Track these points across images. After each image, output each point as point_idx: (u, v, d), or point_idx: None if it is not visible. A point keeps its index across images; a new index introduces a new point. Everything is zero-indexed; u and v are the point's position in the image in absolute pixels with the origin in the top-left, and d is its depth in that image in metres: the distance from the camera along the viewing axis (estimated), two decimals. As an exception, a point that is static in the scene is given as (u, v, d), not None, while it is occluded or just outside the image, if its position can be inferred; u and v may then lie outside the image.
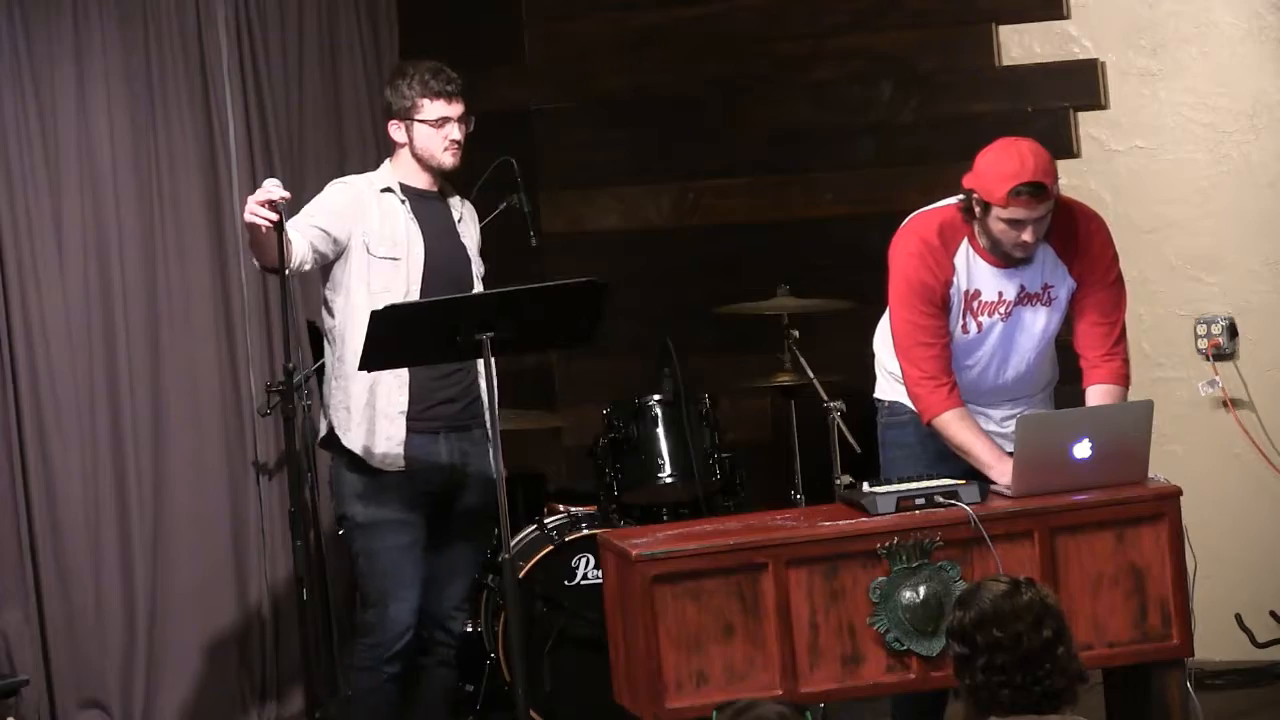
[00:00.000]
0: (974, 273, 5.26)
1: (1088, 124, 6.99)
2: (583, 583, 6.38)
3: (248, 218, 5.22)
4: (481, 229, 5.85)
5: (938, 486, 5.04)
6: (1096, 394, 5.31)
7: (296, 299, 6.19)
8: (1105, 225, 5.40)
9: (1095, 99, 6.96)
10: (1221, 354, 6.82)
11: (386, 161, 5.65)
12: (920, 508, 4.99)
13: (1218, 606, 6.42)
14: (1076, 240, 5.29)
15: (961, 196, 5.20)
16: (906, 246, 5.28)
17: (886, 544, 4.91)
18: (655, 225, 7.69)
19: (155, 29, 6.60)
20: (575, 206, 7.77)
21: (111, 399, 6.45)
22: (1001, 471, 5.15)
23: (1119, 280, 5.36)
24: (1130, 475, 5.09)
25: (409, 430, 5.52)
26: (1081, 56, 6.98)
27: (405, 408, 5.53)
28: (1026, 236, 5.14)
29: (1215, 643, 6.37)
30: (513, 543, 6.04)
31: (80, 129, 6.41)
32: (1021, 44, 7.07)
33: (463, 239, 5.68)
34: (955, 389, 5.24)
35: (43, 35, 6.33)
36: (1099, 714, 5.25)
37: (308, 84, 7.06)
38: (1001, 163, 5.12)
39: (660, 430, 6.55)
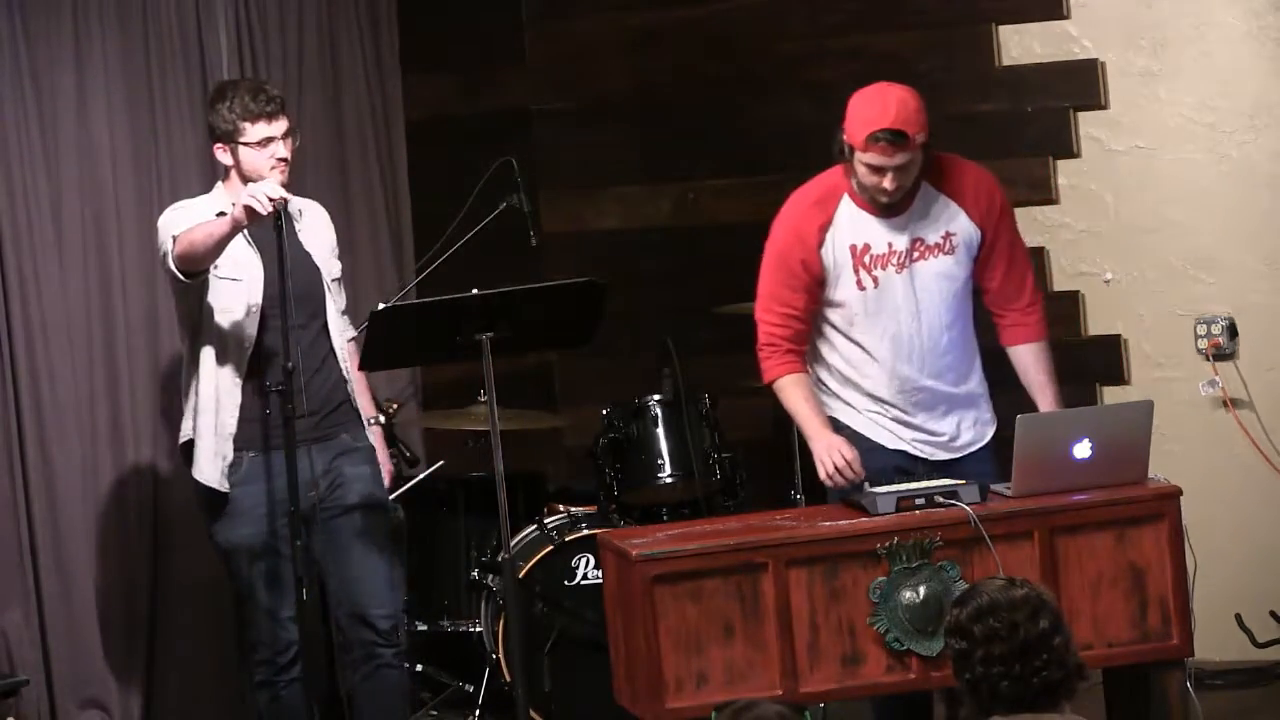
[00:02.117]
0: (859, 226, 5.29)
1: (1088, 124, 6.99)
2: (583, 583, 6.37)
3: (247, 200, 5.22)
4: (481, 229, 5.84)
5: (938, 486, 5.05)
6: (1026, 353, 5.38)
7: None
8: (996, 179, 5.46)
9: (1095, 99, 6.96)
10: (1221, 354, 6.82)
11: (219, 184, 5.64)
12: (920, 508, 4.99)
13: (1218, 606, 6.42)
14: (965, 185, 5.33)
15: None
16: (782, 215, 5.37)
17: (886, 544, 4.91)
18: (655, 225, 7.69)
19: (155, 29, 6.59)
20: (575, 206, 7.77)
21: (111, 399, 6.45)
22: (822, 445, 5.19)
23: (1017, 232, 5.42)
24: (1130, 475, 5.10)
25: (268, 448, 5.51)
26: (1081, 56, 6.97)
27: (234, 429, 5.52)
28: (887, 183, 5.18)
29: (1215, 643, 6.37)
30: (513, 543, 6.04)
31: (80, 129, 6.41)
32: (1021, 44, 7.07)
33: (306, 247, 5.65)
34: (792, 355, 5.29)
35: (43, 35, 6.33)
36: (1099, 714, 5.25)
37: (308, 84, 7.06)
38: (866, 107, 5.19)
39: (660, 430, 6.55)
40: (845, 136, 5.20)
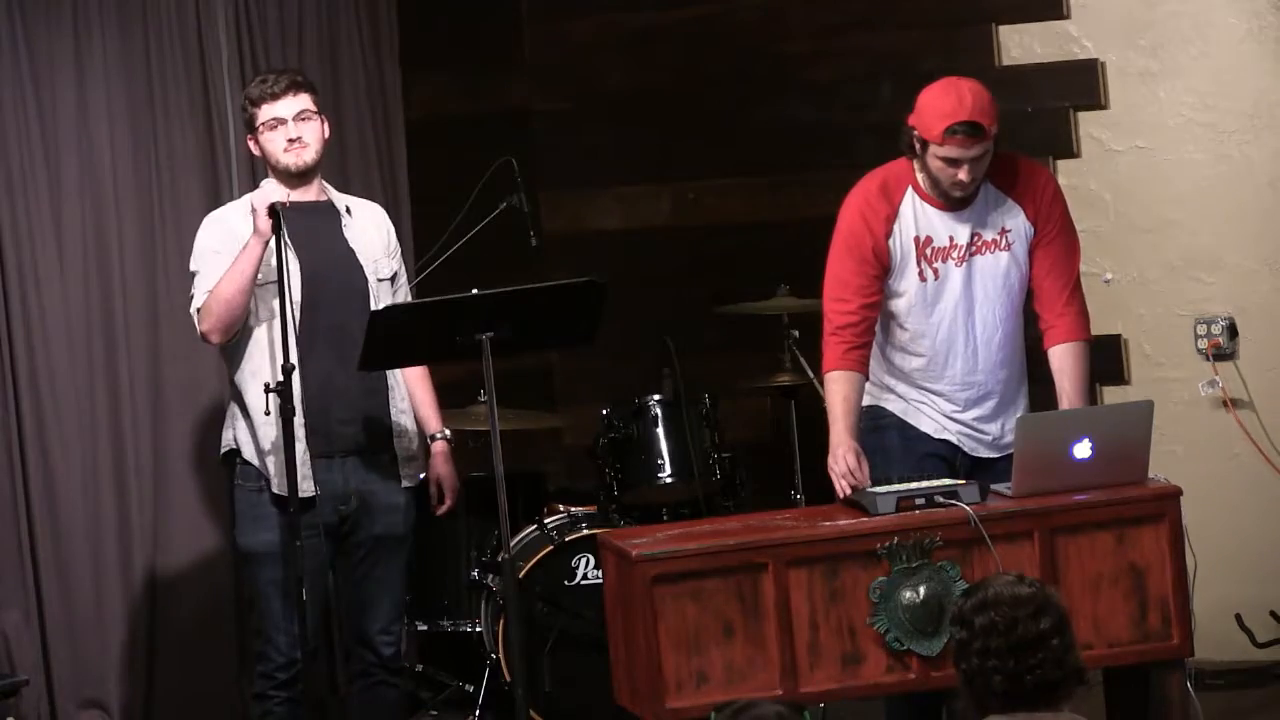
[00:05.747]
0: (922, 219, 5.31)
1: (1088, 124, 6.99)
2: (583, 583, 6.38)
3: (255, 201, 5.22)
4: (481, 229, 5.83)
5: (938, 486, 5.05)
6: (1054, 356, 5.36)
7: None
8: (1053, 177, 5.46)
9: (1095, 99, 6.96)
10: (1221, 354, 6.82)
11: (264, 180, 5.61)
12: (920, 508, 4.99)
13: (1218, 606, 6.42)
14: (1023, 183, 5.34)
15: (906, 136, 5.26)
16: (848, 203, 5.37)
17: (886, 544, 4.91)
18: (655, 225, 7.69)
19: (155, 29, 6.59)
20: (575, 206, 7.77)
21: (111, 399, 6.45)
22: (836, 451, 5.16)
23: (1072, 228, 5.40)
24: (1130, 475, 5.10)
25: (315, 455, 5.48)
26: (1081, 56, 6.98)
27: (302, 433, 5.45)
28: (963, 175, 5.19)
29: (1215, 643, 6.37)
30: (513, 543, 6.04)
31: (80, 129, 6.41)
32: (1021, 44, 7.07)
33: (351, 244, 5.60)
34: (856, 351, 5.27)
35: (43, 35, 6.33)
36: (1099, 714, 5.25)
37: (307, 84, 7.06)
38: (940, 100, 5.19)
39: (660, 430, 6.55)
40: (918, 131, 5.21)
